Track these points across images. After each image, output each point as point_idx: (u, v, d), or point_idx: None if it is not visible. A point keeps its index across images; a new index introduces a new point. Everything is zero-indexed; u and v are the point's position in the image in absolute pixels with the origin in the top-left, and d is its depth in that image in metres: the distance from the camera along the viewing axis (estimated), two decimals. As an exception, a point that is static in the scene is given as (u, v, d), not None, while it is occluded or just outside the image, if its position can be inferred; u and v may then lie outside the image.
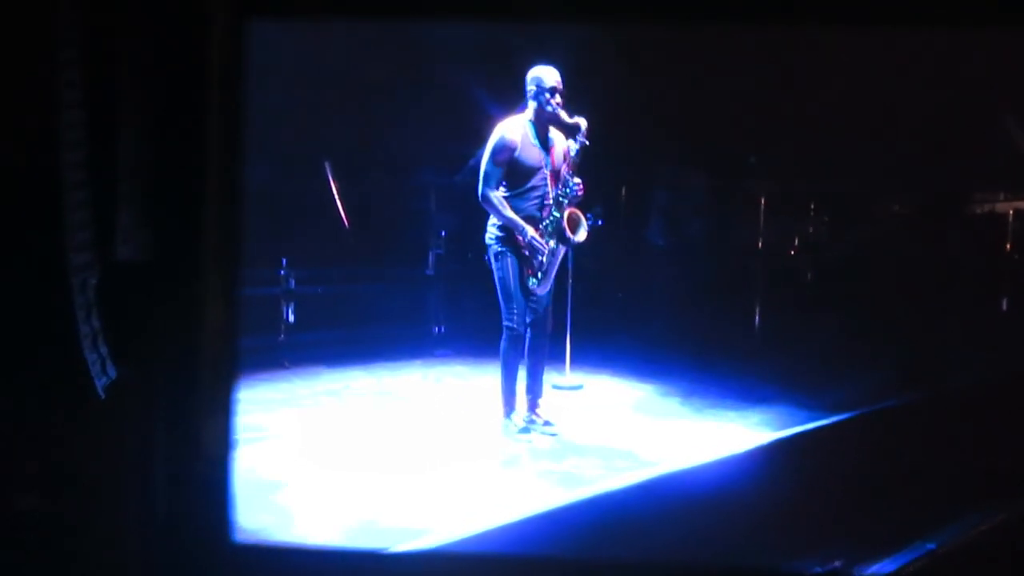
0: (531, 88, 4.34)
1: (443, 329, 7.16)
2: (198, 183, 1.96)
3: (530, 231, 4.32)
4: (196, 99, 1.94)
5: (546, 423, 4.56)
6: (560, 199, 4.39)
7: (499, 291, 4.43)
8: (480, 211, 4.47)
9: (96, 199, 1.91)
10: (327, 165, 7.39)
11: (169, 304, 1.97)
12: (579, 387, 5.59)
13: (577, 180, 4.41)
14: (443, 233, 7.20)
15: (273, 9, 2.12)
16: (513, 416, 4.55)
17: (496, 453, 4.27)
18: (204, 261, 1.97)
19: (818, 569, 3.63)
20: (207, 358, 1.99)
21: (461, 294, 7.22)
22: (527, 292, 4.39)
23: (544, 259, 4.35)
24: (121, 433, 1.97)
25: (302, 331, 6.52)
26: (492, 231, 4.41)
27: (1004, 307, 8.04)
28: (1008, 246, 8.46)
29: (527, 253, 4.34)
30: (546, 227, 4.38)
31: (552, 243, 4.38)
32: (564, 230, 4.38)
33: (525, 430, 4.51)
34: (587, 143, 4.35)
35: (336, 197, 7.34)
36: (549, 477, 3.94)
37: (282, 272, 6.43)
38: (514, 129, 4.33)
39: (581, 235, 4.44)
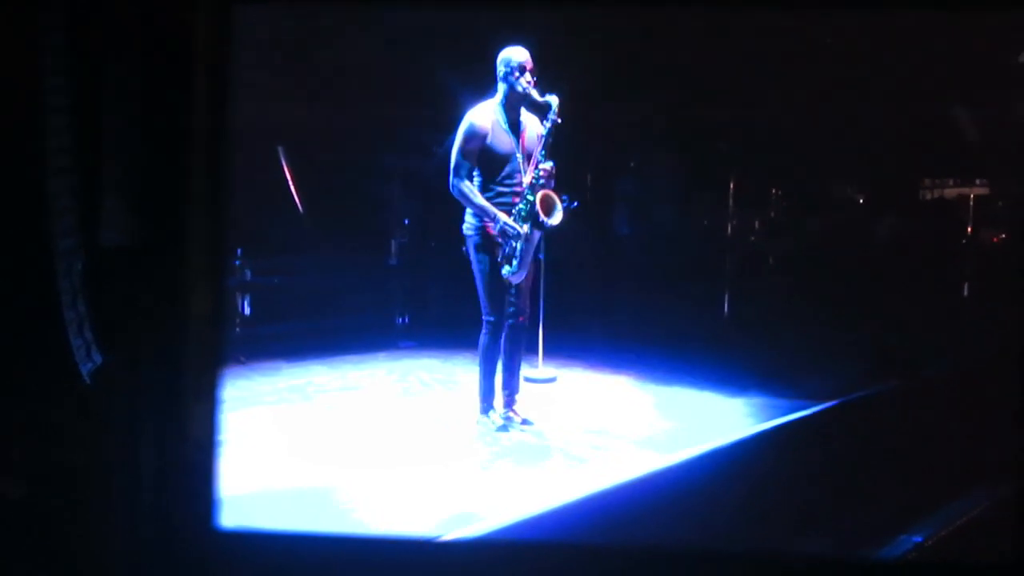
0: (501, 69, 4.50)
1: (407, 320, 7.29)
2: (184, 168, 2.10)
3: (502, 217, 4.47)
4: (182, 84, 2.08)
5: (524, 421, 4.71)
6: (533, 182, 4.51)
7: (479, 284, 4.56)
8: (447, 200, 4.59)
9: (81, 185, 2.04)
10: (280, 150, 7.48)
11: (155, 289, 2.10)
12: (552, 379, 5.77)
13: (548, 164, 4.52)
14: (406, 221, 7.33)
15: (258, -7, 2.26)
16: (491, 413, 4.69)
17: (474, 452, 4.39)
18: (190, 246, 2.11)
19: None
20: (193, 343, 2.13)
21: (425, 284, 7.36)
22: (506, 283, 4.53)
23: (518, 245, 4.48)
24: (107, 418, 2.10)
25: (259, 324, 6.61)
26: (470, 220, 4.54)
27: (965, 292, 8.37)
28: (969, 230, 8.80)
29: (500, 240, 4.49)
30: (519, 211, 4.50)
31: (526, 228, 4.49)
32: (538, 214, 4.50)
33: (503, 428, 4.65)
34: (559, 121, 4.47)
35: (291, 183, 7.44)
36: (530, 476, 4.07)
37: (237, 263, 6.52)
38: (484, 116, 4.49)
39: (556, 218, 4.55)
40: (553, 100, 4.46)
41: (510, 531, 3.40)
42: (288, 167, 7.48)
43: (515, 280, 4.55)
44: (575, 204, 4.71)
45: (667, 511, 3.83)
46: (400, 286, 7.31)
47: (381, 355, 6.56)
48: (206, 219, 2.12)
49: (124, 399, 2.11)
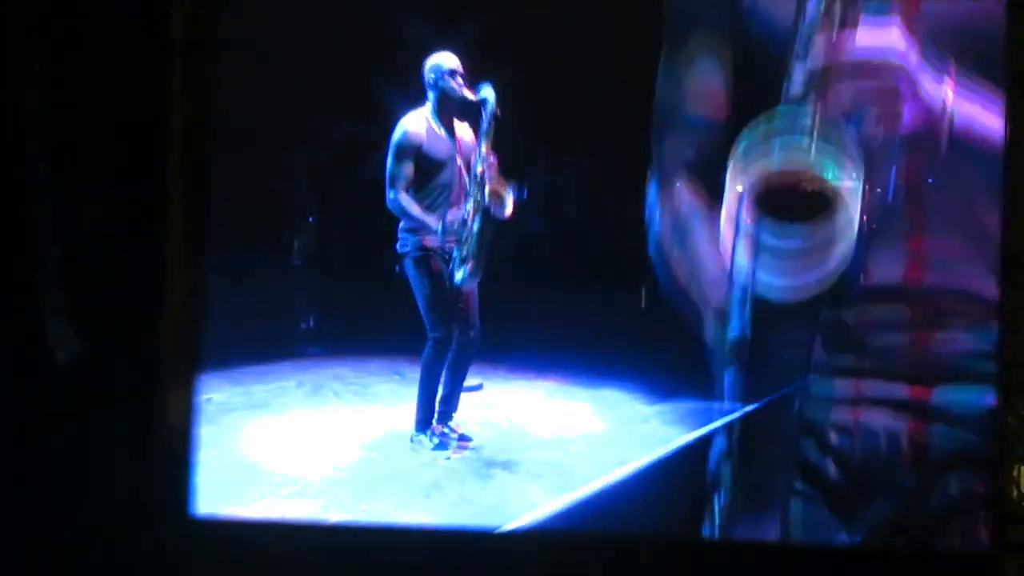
0: (430, 76, 4.70)
1: (312, 324, 7.41)
2: (163, 157, 2.33)
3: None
4: (161, 72, 2.31)
5: (462, 437, 4.86)
6: (480, 178, 4.67)
7: (421, 301, 4.73)
8: (363, 198, 4.81)
9: (60, 171, 2.25)
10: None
11: (133, 276, 2.33)
12: (479, 387, 5.99)
13: (492, 158, 4.70)
14: (311, 219, 7.46)
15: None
16: (428, 432, 4.84)
17: (414, 475, 4.47)
18: (169, 234, 2.34)
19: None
20: (171, 330, 2.36)
21: (331, 285, 7.48)
22: (450, 296, 4.70)
23: (469, 246, 4.64)
24: (83, 404, 2.31)
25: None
26: (406, 236, 4.73)
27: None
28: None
29: (447, 249, 4.67)
30: (467, 211, 4.67)
31: (476, 226, 4.65)
32: (489, 207, 4.65)
33: (440, 446, 4.78)
34: (498, 113, 4.64)
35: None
36: (479, 497, 4.22)
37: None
38: (417, 122, 4.68)
39: (508, 207, 4.69)
40: (488, 92, 4.62)
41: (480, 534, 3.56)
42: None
43: (468, 287, 4.71)
44: (526, 193, 4.89)
45: (620, 520, 4.09)
46: (304, 288, 7.41)
47: (287, 364, 6.66)
48: (186, 206, 2.35)
49: (101, 385, 2.32)
